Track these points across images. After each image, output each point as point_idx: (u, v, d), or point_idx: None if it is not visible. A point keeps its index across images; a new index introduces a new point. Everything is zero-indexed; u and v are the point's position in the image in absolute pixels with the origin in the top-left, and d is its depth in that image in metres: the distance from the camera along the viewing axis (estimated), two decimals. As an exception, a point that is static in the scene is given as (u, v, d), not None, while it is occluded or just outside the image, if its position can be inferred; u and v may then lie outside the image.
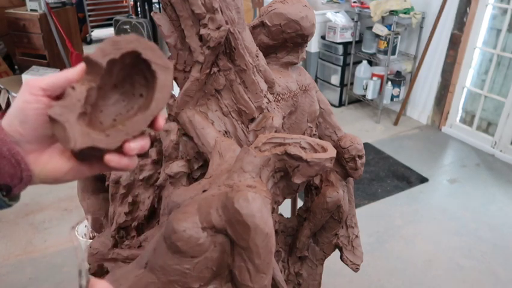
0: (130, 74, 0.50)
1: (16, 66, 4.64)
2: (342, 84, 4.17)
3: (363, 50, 3.95)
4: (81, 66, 0.47)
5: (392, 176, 3.06)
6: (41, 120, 0.46)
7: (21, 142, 0.47)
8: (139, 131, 0.47)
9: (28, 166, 0.47)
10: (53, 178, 0.50)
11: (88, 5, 6.21)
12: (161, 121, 0.50)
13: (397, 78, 3.88)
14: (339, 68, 4.10)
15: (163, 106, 0.48)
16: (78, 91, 0.46)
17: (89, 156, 0.47)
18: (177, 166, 1.04)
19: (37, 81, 0.47)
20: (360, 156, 1.25)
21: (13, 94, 3.91)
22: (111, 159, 0.47)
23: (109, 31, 6.28)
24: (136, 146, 0.48)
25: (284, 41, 1.18)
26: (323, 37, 4.15)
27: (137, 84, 0.50)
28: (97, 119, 0.48)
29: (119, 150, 0.47)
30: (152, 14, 1.00)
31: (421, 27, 3.68)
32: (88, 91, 0.46)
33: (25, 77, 4.07)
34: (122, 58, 0.47)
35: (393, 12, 3.52)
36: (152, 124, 0.49)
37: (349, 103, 4.30)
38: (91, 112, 0.48)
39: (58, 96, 0.47)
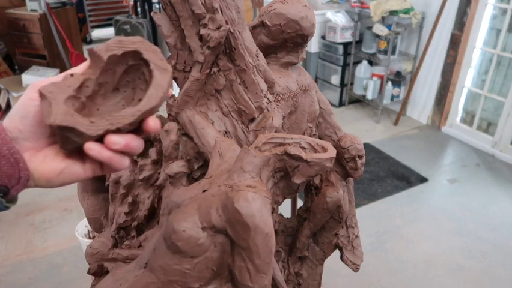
0: (133, 79, 0.50)
1: (16, 66, 4.64)
2: (342, 84, 4.17)
3: (363, 50, 3.95)
4: (86, 64, 0.50)
5: (392, 176, 3.06)
6: (41, 117, 0.47)
7: (19, 139, 0.48)
8: (124, 123, 0.47)
9: (26, 165, 0.48)
10: (46, 179, 0.50)
11: (88, 5, 6.21)
12: (151, 123, 0.48)
13: (397, 78, 3.88)
14: (339, 68, 4.10)
15: (155, 104, 0.48)
16: (74, 78, 0.48)
17: (72, 143, 0.47)
18: (177, 166, 1.04)
19: (44, 82, 0.48)
20: (360, 156, 1.25)
21: (13, 94, 3.91)
22: (90, 147, 0.46)
23: (109, 31, 6.28)
24: (118, 140, 0.46)
25: (284, 41, 1.18)
26: (323, 37, 4.15)
27: (139, 90, 0.51)
28: (92, 115, 0.49)
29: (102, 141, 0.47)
30: (152, 14, 1.00)
31: (421, 27, 3.68)
32: (85, 81, 0.48)
33: (25, 77, 4.07)
34: (125, 57, 0.48)
35: (393, 12, 3.52)
36: (142, 125, 0.49)
37: (349, 103, 4.30)
38: (88, 108, 0.48)
39: None
